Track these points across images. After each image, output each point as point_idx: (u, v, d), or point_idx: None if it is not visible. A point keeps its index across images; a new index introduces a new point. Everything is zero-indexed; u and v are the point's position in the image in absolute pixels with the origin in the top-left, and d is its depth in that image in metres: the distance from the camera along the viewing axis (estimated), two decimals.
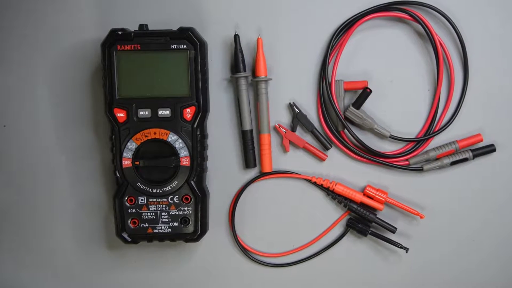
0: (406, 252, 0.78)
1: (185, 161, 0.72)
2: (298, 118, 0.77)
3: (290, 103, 0.78)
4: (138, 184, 0.73)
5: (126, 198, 0.73)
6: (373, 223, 0.78)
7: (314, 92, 0.78)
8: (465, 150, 0.78)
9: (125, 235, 0.73)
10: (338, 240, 0.79)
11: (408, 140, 0.78)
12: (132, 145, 0.72)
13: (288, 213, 0.79)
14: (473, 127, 0.79)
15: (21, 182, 0.79)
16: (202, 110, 0.73)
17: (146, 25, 0.73)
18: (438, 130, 0.78)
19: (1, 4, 0.76)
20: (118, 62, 0.71)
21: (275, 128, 0.78)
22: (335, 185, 0.78)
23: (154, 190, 0.73)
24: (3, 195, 0.78)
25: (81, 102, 0.78)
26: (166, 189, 0.73)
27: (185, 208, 0.73)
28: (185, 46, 0.71)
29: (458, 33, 0.77)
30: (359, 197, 0.77)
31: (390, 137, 0.77)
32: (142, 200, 0.73)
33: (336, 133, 0.78)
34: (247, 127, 0.77)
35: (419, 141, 0.78)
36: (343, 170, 0.79)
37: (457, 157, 0.78)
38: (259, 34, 0.77)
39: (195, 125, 0.73)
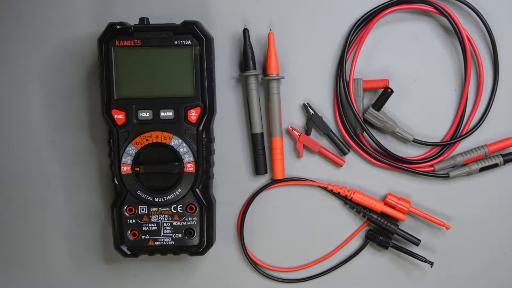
0: (431, 267, 0.76)
1: (190, 167, 0.71)
2: (313, 120, 0.76)
3: (304, 104, 0.77)
4: (138, 192, 0.72)
5: (125, 207, 0.72)
6: (395, 235, 0.76)
7: (331, 92, 0.77)
8: (495, 155, 0.76)
9: (124, 248, 0.72)
10: (356, 253, 0.78)
11: (433, 145, 0.76)
12: (131, 150, 0.71)
13: (302, 224, 0.78)
14: (504, 129, 0.77)
15: (11, 190, 0.78)
16: (208, 112, 0.71)
17: (147, 19, 0.72)
18: (465, 134, 0.77)
19: None
20: (116, 59, 0.70)
21: (287, 131, 0.77)
22: (353, 193, 0.76)
23: (156, 199, 0.72)
24: None
25: (76, 102, 0.77)
26: (169, 197, 0.72)
27: (190, 219, 0.72)
28: (189, 42, 0.70)
29: (488, 27, 0.75)
30: (380, 207, 0.76)
31: (413, 141, 0.76)
32: (142, 209, 0.72)
33: (354, 136, 0.77)
34: (257, 130, 0.76)
35: (445, 146, 0.77)
36: (362, 177, 0.77)
37: (487, 163, 0.76)
38: (271, 29, 0.75)
39: (201, 128, 0.71)
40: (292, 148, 0.77)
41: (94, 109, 0.77)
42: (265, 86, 0.76)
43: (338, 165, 0.77)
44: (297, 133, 0.76)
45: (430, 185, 0.77)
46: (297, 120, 0.77)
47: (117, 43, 0.70)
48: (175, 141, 0.71)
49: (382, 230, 0.76)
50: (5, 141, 0.77)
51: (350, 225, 0.78)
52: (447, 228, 0.76)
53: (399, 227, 0.76)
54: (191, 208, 0.72)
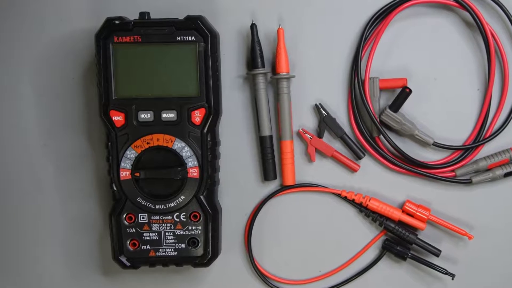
0: (452, 279, 0.75)
1: (194, 173, 0.71)
2: (325, 122, 0.76)
3: (316, 105, 0.76)
4: (139, 199, 0.71)
5: (124, 215, 0.72)
6: (414, 245, 0.76)
7: (345, 92, 0.76)
8: None
9: (123, 259, 0.72)
10: (372, 264, 0.77)
11: (455, 148, 0.76)
12: (131, 154, 0.71)
13: (314, 233, 0.77)
14: None
15: (1, 197, 0.77)
16: (214, 113, 0.71)
17: (148, 13, 0.71)
18: (489, 136, 0.76)
19: None
20: (115, 57, 0.70)
21: (298, 134, 0.76)
22: (369, 200, 0.76)
23: (157, 206, 0.71)
24: None
25: (71, 103, 0.76)
26: (171, 205, 0.71)
27: (194, 228, 0.72)
28: (193, 38, 0.70)
29: None
30: (397, 215, 0.75)
31: (433, 144, 0.75)
32: (143, 218, 0.72)
33: (370, 139, 0.76)
34: (266, 132, 0.75)
35: (467, 149, 0.76)
36: (379, 182, 0.77)
37: None
38: (280, 24, 0.75)
39: (205, 130, 0.71)
40: (303, 152, 0.77)
41: (91, 110, 0.76)
42: (274, 85, 0.76)
43: (353, 170, 0.76)
44: (308, 136, 0.76)
45: (451, 191, 0.77)
46: (309, 122, 0.77)
47: (115, 39, 0.70)
48: (178, 145, 0.70)
49: (400, 240, 0.76)
50: None
51: (365, 234, 0.77)
52: (469, 238, 0.75)
53: (418, 236, 0.75)
54: (195, 216, 0.72)
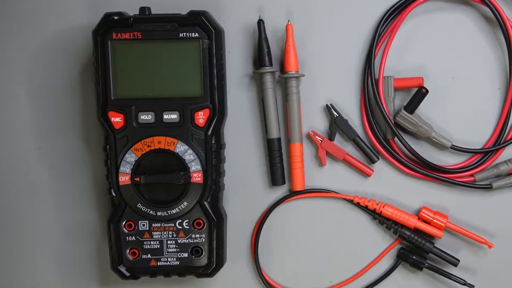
0: None
1: (197, 177, 0.70)
2: (337, 124, 0.75)
3: (327, 105, 0.75)
4: (139, 205, 0.71)
5: (123, 223, 0.71)
6: (430, 254, 0.75)
7: (357, 92, 0.76)
8: None
9: (123, 269, 0.72)
10: (386, 275, 0.76)
11: (474, 152, 0.75)
12: (131, 157, 0.70)
13: (325, 242, 0.77)
14: None
15: None
16: (218, 114, 0.70)
17: (149, 8, 0.71)
18: (510, 139, 0.75)
19: None
20: (114, 54, 0.70)
21: (308, 136, 0.76)
22: (383, 206, 0.75)
23: (159, 213, 0.71)
24: None
25: (68, 104, 0.76)
26: (174, 211, 0.71)
27: (197, 236, 0.71)
28: (196, 35, 0.69)
29: None
30: (413, 222, 0.75)
31: (451, 147, 0.74)
32: (143, 225, 0.71)
33: (384, 142, 0.75)
34: (274, 134, 0.75)
35: (487, 153, 0.75)
36: (393, 188, 0.76)
37: None
38: (289, 20, 0.74)
39: (210, 132, 0.70)
40: (313, 155, 0.77)
41: (89, 111, 0.76)
42: (283, 85, 0.76)
43: (366, 175, 0.76)
44: (319, 138, 0.75)
45: (470, 197, 0.76)
46: (319, 124, 0.76)
47: (114, 36, 0.69)
48: (181, 148, 0.70)
49: (416, 249, 0.75)
50: None
51: (379, 243, 0.77)
52: (489, 247, 0.75)
53: (435, 245, 0.75)
54: (199, 224, 0.71)
